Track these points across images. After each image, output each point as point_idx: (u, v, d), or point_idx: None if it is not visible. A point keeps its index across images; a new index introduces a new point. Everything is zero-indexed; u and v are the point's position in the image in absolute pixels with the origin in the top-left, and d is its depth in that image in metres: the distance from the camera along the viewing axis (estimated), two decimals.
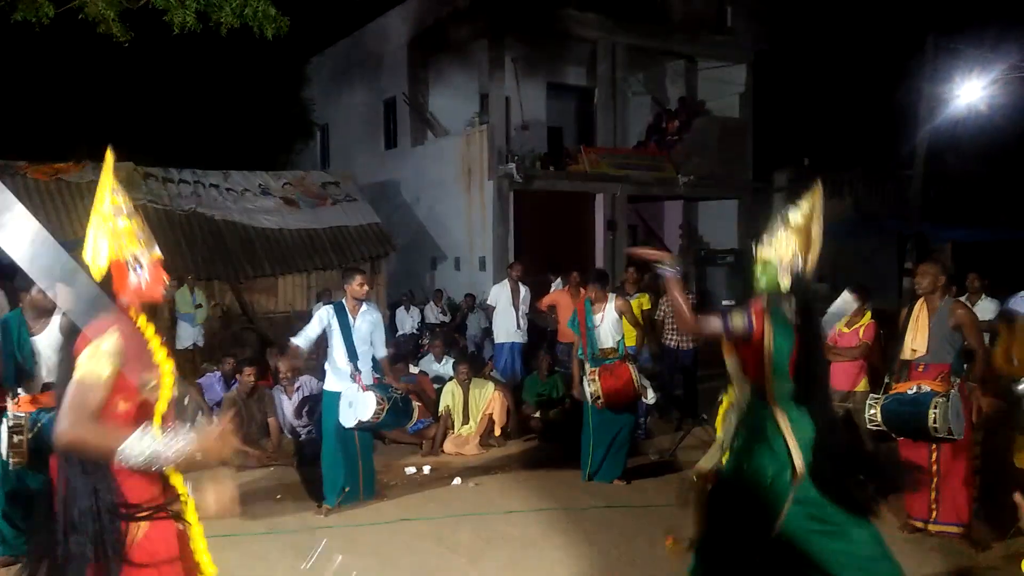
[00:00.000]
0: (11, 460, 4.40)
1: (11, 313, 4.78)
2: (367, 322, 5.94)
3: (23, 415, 4.39)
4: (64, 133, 16.31)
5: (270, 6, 7.07)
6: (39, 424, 4.41)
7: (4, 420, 4.39)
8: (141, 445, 2.22)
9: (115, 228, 2.44)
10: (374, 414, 5.60)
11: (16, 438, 4.33)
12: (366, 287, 5.98)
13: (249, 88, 18.36)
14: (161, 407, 2.43)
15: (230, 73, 17.50)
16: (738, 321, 3.30)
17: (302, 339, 5.87)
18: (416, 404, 6.05)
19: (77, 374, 2.25)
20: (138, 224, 2.49)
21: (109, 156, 2.46)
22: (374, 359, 6.02)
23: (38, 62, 15.52)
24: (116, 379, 2.28)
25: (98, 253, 2.42)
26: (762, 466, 3.14)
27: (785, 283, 3.26)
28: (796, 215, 3.30)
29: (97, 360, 2.25)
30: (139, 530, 2.30)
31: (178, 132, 16.53)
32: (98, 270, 2.41)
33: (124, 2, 6.87)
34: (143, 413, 2.38)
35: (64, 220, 12.10)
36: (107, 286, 2.40)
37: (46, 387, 4.61)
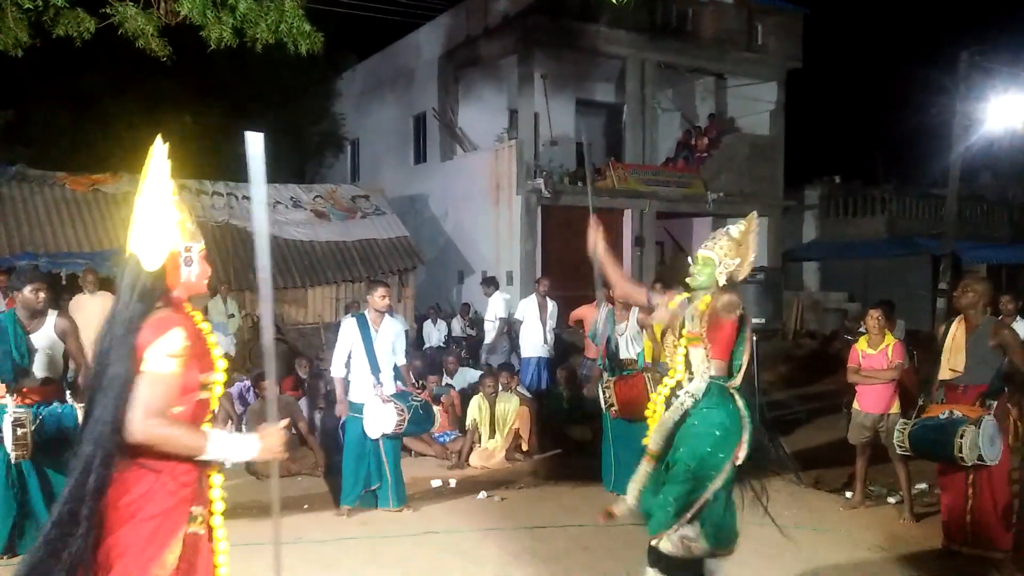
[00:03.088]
0: (14, 454, 4.50)
1: (5, 313, 4.93)
2: (389, 333, 6.02)
3: (24, 409, 4.51)
4: (101, 146, 16.69)
5: (304, 22, 7.16)
6: (39, 418, 4.51)
7: (5, 415, 4.49)
8: (227, 443, 2.31)
9: (169, 220, 2.35)
10: (396, 425, 5.75)
11: (20, 431, 4.45)
12: (387, 300, 6.06)
13: (282, 102, 18.63)
14: (214, 406, 2.45)
15: (264, 87, 17.78)
16: (659, 299, 3.97)
17: (338, 366, 5.99)
18: (437, 408, 6.09)
19: (147, 370, 2.21)
20: (187, 216, 2.43)
21: (160, 146, 2.38)
22: (395, 367, 6.09)
23: (75, 76, 15.89)
24: (181, 377, 2.27)
25: (153, 246, 2.32)
26: (719, 422, 3.61)
27: (721, 281, 3.70)
28: (735, 229, 3.76)
29: (166, 358, 2.23)
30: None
31: (212, 145, 16.81)
32: (154, 261, 2.31)
33: (163, 18, 7.01)
34: (199, 413, 2.38)
35: (100, 230, 12.35)
36: (161, 279, 2.32)
37: (45, 381, 4.72)
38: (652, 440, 3.75)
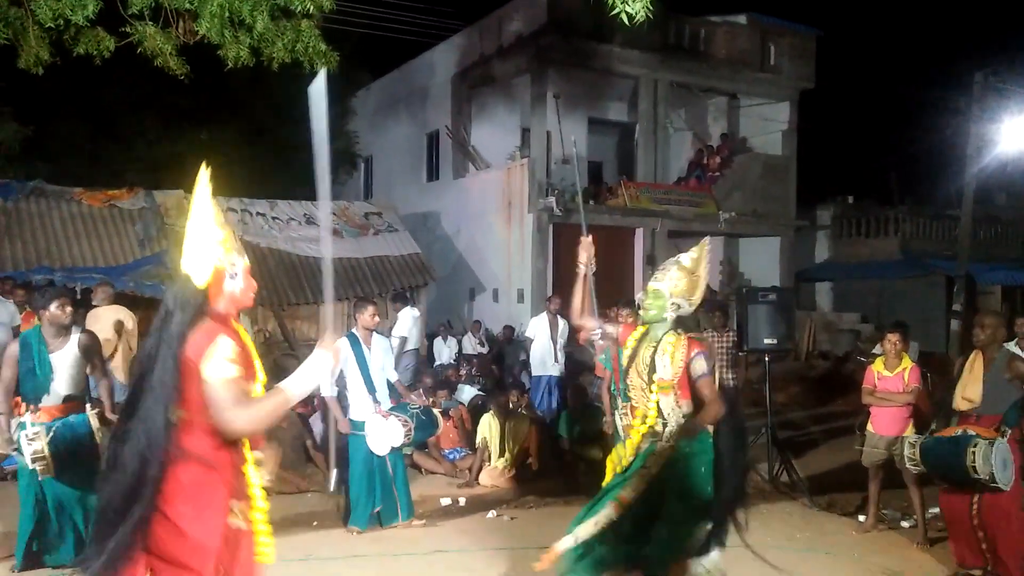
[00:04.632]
0: (36, 468, 4.55)
1: (31, 331, 4.97)
2: (380, 349, 6.06)
3: (39, 426, 4.57)
4: (118, 161, 16.86)
5: (320, 42, 7.25)
6: (53, 430, 4.56)
7: (23, 433, 4.54)
8: (301, 376, 2.50)
9: (214, 238, 2.52)
10: (404, 436, 5.80)
11: (36, 446, 4.51)
12: (377, 318, 6.09)
13: (297, 119, 18.78)
14: None
15: (279, 105, 17.94)
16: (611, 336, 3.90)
17: (330, 387, 5.92)
18: (438, 412, 6.10)
19: (212, 379, 2.37)
20: (231, 235, 2.59)
21: (205, 172, 2.55)
22: (389, 383, 6.12)
23: (94, 93, 16.08)
24: (242, 379, 2.42)
25: (199, 263, 2.49)
26: (700, 460, 3.57)
27: (672, 314, 3.63)
28: (687, 258, 3.66)
29: (225, 363, 2.39)
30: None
31: (226, 161, 16.96)
32: (200, 278, 2.48)
33: (181, 37, 7.11)
34: None
35: (116, 244, 12.46)
36: (206, 294, 2.49)
37: (67, 399, 4.76)
38: (630, 489, 3.64)
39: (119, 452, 2.37)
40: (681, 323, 3.71)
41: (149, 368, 2.39)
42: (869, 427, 6.26)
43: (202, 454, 2.39)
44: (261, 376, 2.56)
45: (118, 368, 7.91)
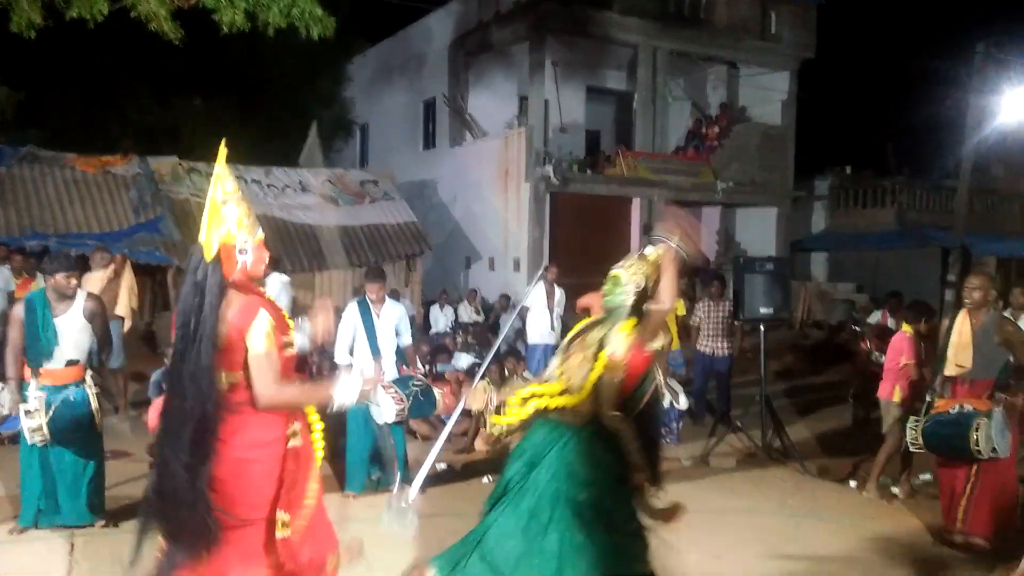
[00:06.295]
0: (36, 439, 4.63)
1: (35, 293, 4.98)
2: (391, 316, 6.06)
3: (39, 399, 4.62)
4: (112, 127, 16.72)
5: (317, 7, 7.16)
6: (53, 409, 4.61)
7: (23, 407, 4.64)
8: (347, 389, 2.75)
9: (225, 214, 2.70)
10: (397, 414, 5.76)
11: (35, 424, 4.59)
12: (382, 294, 6.08)
13: (292, 86, 18.62)
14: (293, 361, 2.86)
15: (274, 71, 17.76)
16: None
17: (342, 352, 6.01)
18: (440, 392, 6.11)
19: (256, 349, 2.63)
20: (245, 211, 2.75)
21: (223, 150, 2.72)
22: (400, 349, 6.12)
23: (87, 58, 15.89)
24: (276, 348, 2.68)
25: (211, 238, 2.68)
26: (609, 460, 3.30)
27: (628, 304, 3.39)
28: (652, 252, 3.47)
29: (263, 338, 2.64)
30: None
31: (222, 128, 16.83)
32: (210, 253, 2.68)
33: (175, 1, 7.01)
34: (289, 365, 2.79)
35: (110, 210, 12.40)
36: (217, 267, 2.67)
37: (69, 363, 4.79)
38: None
39: (172, 426, 2.61)
40: (637, 312, 3.43)
41: (187, 328, 2.61)
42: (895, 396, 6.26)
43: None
44: (289, 323, 2.80)
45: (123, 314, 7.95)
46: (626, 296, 3.42)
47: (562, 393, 3.39)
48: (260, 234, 2.80)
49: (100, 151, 13.37)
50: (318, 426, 2.89)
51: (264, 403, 2.65)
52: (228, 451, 2.61)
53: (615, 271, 3.50)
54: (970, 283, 5.15)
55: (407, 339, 6.23)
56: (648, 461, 3.34)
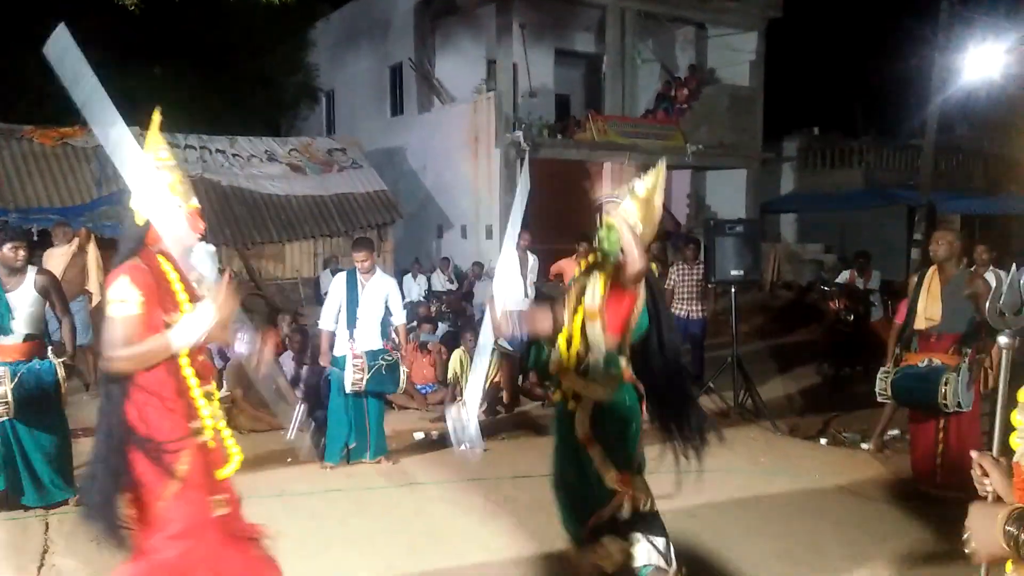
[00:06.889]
0: (0, 411, 4.55)
1: None
2: (377, 289, 5.99)
3: (4, 367, 4.55)
4: (69, 98, 16.24)
5: None
6: (19, 375, 4.52)
7: None
8: (185, 326, 2.57)
9: (158, 181, 2.66)
10: (352, 384, 5.78)
11: (0, 391, 4.47)
12: (368, 263, 6.01)
13: (254, 52, 18.21)
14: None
15: (235, 37, 17.34)
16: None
17: (327, 319, 6.01)
18: (404, 371, 6.07)
19: (108, 316, 2.55)
20: (179, 178, 2.72)
21: (156, 117, 2.70)
22: (386, 324, 6.08)
23: (41, 27, 15.39)
24: (141, 317, 2.54)
25: (141, 203, 2.64)
26: (621, 400, 3.44)
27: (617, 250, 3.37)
28: (641, 186, 3.37)
29: (117, 303, 2.53)
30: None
31: (183, 97, 16.44)
32: (140, 218, 2.64)
33: None
34: (145, 334, 2.62)
35: (71, 184, 12.11)
36: (143, 232, 2.64)
37: (27, 338, 4.71)
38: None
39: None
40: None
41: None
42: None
43: (145, 384, 2.57)
44: (187, 307, 2.63)
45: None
46: (620, 240, 3.33)
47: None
48: (194, 202, 2.76)
49: (57, 123, 13.00)
50: (221, 424, 2.76)
51: (115, 367, 2.54)
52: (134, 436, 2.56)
53: (608, 219, 3.42)
54: (935, 237, 5.27)
55: (400, 318, 6.18)
56: (680, 423, 3.51)
